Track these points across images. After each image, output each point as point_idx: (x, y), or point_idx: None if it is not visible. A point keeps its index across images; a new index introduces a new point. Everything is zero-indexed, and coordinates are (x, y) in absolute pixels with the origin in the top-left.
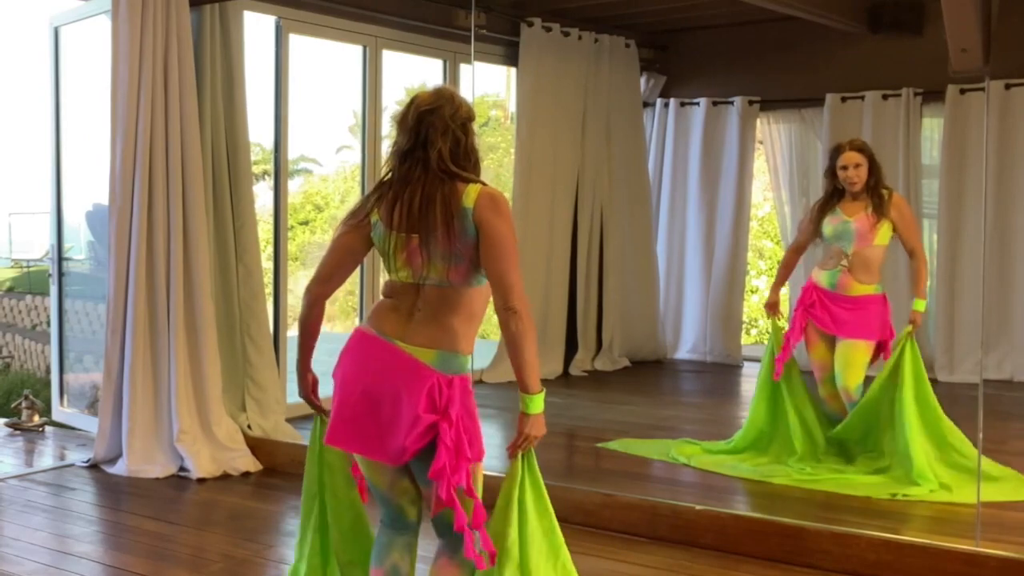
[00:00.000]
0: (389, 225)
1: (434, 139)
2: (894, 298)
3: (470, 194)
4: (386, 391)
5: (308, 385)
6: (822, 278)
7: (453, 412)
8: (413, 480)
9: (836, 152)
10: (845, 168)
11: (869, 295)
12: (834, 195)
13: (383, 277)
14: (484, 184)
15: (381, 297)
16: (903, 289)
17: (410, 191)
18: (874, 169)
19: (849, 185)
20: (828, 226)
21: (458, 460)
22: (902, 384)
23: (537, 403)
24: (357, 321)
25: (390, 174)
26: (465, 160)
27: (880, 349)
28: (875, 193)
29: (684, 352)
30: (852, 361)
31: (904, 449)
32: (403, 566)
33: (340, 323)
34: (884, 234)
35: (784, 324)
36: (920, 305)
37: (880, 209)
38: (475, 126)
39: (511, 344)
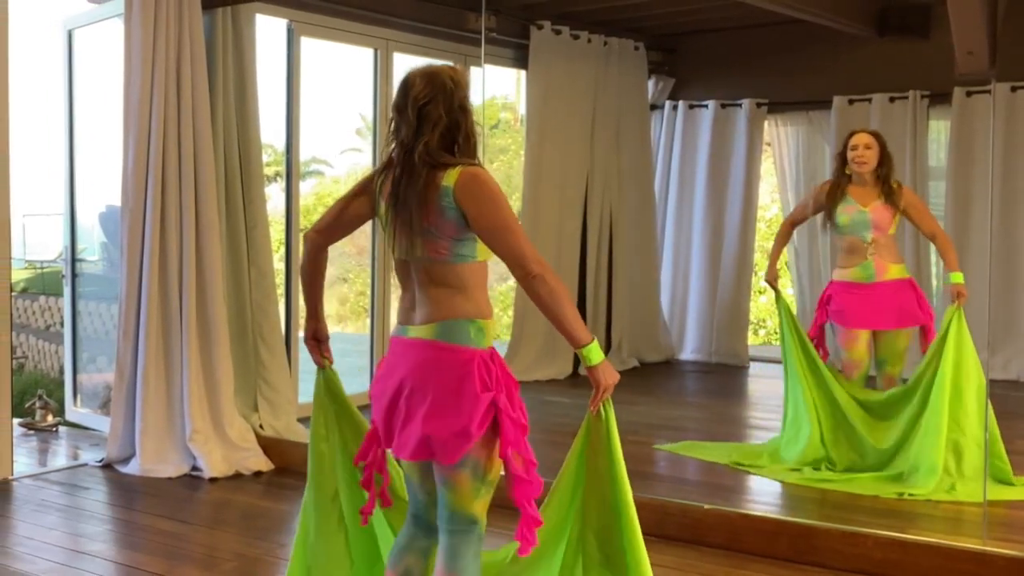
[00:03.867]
0: (387, 201)
1: (425, 131)
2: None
3: (451, 175)
4: (417, 385)
5: (310, 330)
6: (853, 274)
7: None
8: (430, 476)
9: (849, 136)
10: (855, 148)
11: (903, 279)
12: (841, 180)
13: (394, 277)
14: (473, 165)
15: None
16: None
17: (399, 171)
18: (885, 159)
19: (857, 165)
20: (843, 215)
21: (518, 433)
22: (944, 363)
23: (595, 352)
24: (368, 321)
25: (390, 151)
26: (466, 141)
27: (925, 333)
28: (886, 183)
29: (691, 353)
30: (897, 350)
31: (925, 437)
32: (417, 571)
33: (352, 323)
34: (895, 224)
35: (786, 296)
36: (958, 277)
37: (892, 199)
38: (469, 100)
39: (546, 309)
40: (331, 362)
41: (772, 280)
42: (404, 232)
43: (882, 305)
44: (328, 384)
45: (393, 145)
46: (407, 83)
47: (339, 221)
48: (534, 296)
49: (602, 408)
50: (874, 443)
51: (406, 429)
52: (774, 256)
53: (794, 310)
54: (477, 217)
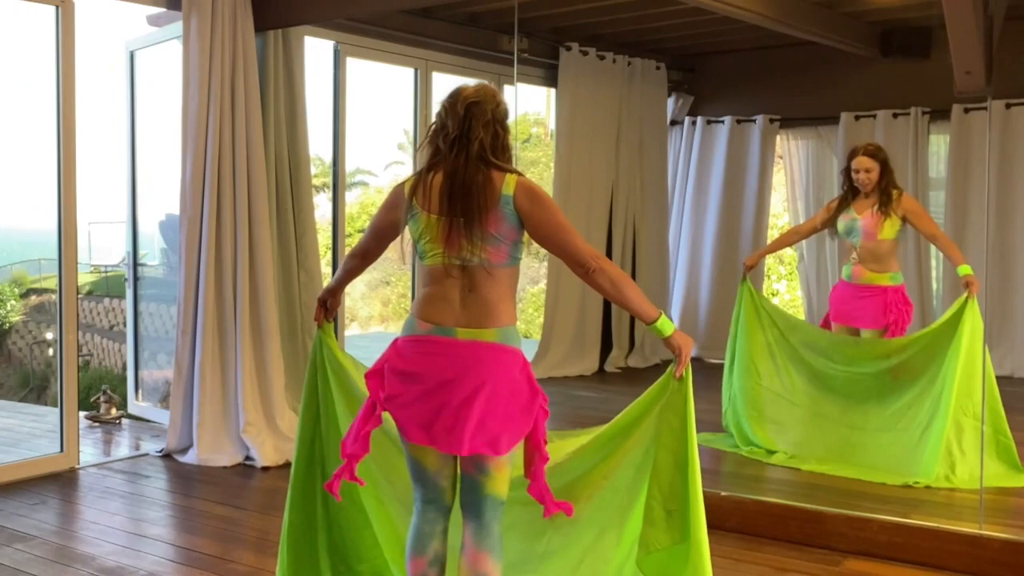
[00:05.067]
0: (428, 209)
1: (477, 129)
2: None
3: (509, 183)
4: (465, 381)
5: (326, 295)
6: (842, 272)
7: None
8: (455, 465)
9: (852, 154)
10: (857, 172)
11: (880, 285)
12: (849, 193)
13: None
14: (520, 174)
15: (422, 288)
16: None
17: (451, 177)
18: (885, 172)
19: (861, 186)
20: (841, 223)
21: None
22: (956, 351)
23: (666, 324)
24: None
25: (428, 158)
26: (502, 153)
27: (889, 333)
28: (884, 193)
29: (707, 350)
30: None
31: (931, 422)
32: (443, 553)
33: (393, 323)
34: (889, 229)
35: (751, 287)
36: (966, 269)
37: (886, 207)
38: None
39: (611, 297)
40: (329, 323)
41: (750, 263)
42: (462, 237)
43: (856, 306)
44: (327, 339)
45: (430, 143)
46: (456, 90)
47: (375, 246)
48: (597, 288)
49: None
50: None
51: (461, 426)
52: (767, 250)
53: (801, 310)
54: (538, 224)
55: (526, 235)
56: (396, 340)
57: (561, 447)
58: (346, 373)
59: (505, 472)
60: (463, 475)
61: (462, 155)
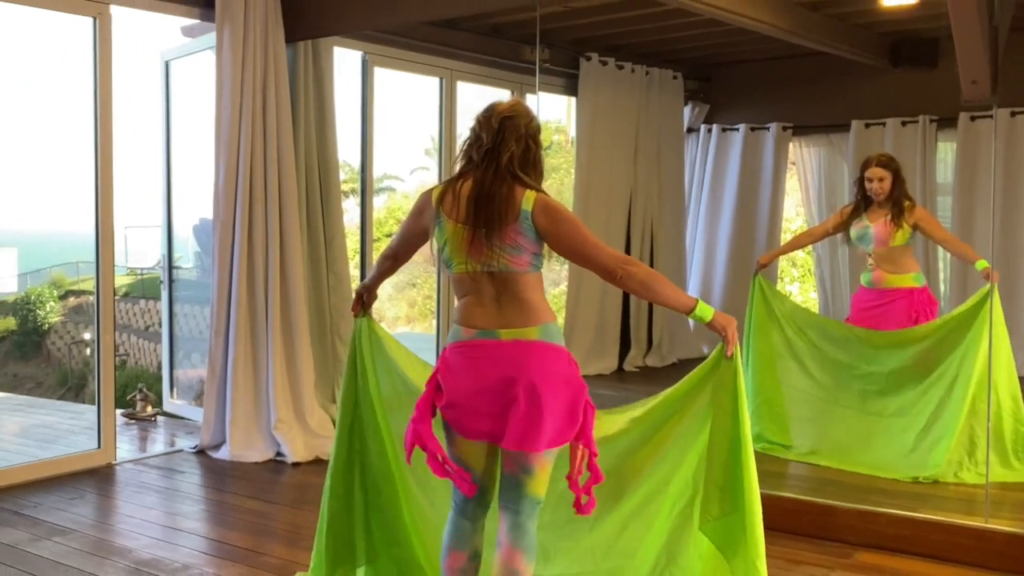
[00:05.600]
0: (453, 218)
1: (509, 142)
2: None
3: (528, 199)
4: (513, 380)
5: (363, 288)
6: (862, 279)
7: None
8: (497, 464)
9: (865, 165)
10: (870, 181)
11: (905, 287)
12: (862, 202)
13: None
14: (541, 192)
15: (456, 299)
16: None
17: (479, 186)
18: (897, 182)
19: (874, 195)
20: (853, 230)
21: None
22: (976, 340)
23: (704, 310)
24: (435, 322)
25: (460, 168)
26: (532, 168)
27: None
28: (897, 203)
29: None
30: None
31: (944, 414)
32: (481, 549)
33: (419, 324)
34: (901, 236)
35: (763, 282)
36: (983, 264)
37: (898, 217)
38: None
39: (645, 296)
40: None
41: (764, 261)
42: (483, 245)
43: (881, 310)
44: (370, 326)
45: (464, 155)
46: (492, 104)
47: (404, 249)
48: (630, 291)
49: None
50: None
51: (511, 423)
52: (781, 250)
53: (816, 311)
54: (559, 239)
55: (546, 247)
56: (444, 348)
57: (611, 422)
58: (389, 359)
59: (547, 472)
60: (505, 474)
61: (492, 166)
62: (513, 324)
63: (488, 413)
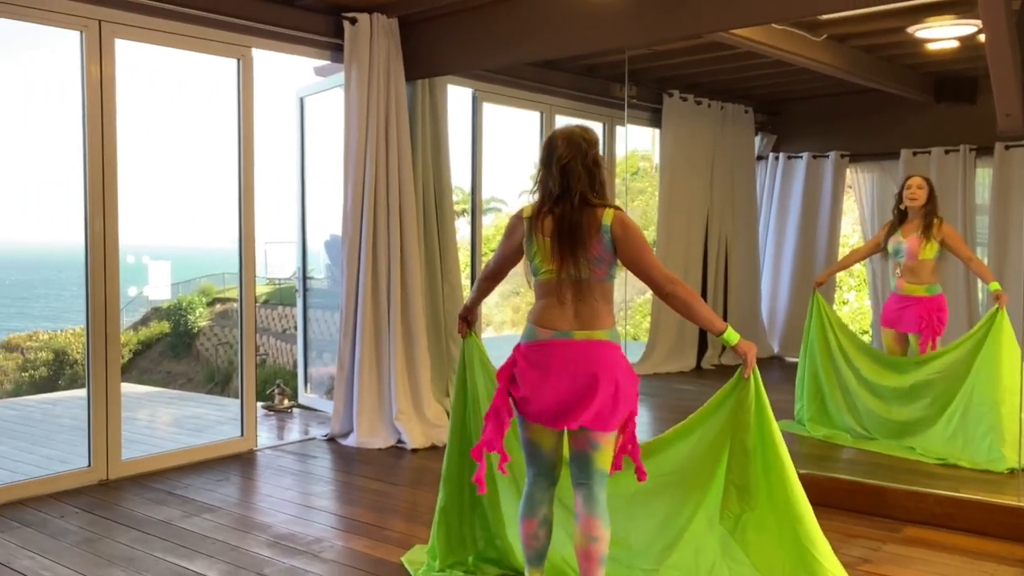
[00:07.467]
0: (544, 233)
1: (574, 186)
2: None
3: (607, 215)
4: (586, 373)
5: (464, 311)
6: (893, 285)
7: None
8: (563, 445)
9: (905, 180)
10: (909, 187)
11: (918, 296)
12: (898, 218)
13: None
14: (617, 208)
15: (538, 300)
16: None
17: (560, 221)
18: (931, 197)
19: (910, 201)
20: (890, 244)
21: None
22: (992, 351)
23: (731, 335)
24: None
25: (540, 204)
26: (600, 188)
27: (922, 339)
28: (927, 219)
29: (786, 350)
30: (915, 345)
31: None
32: (551, 516)
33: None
34: (928, 251)
35: (820, 299)
36: (995, 286)
37: (928, 232)
38: (600, 154)
39: (684, 312)
40: (471, 334)
41: (820, 281)
42: (572, 258)
43: (899, 314)
44: (475, 346)
45: (539, 192)
46: (551, 144)
47: (501, 268)
48: (672, 306)
49: (752, 373)
50: (887, 416)
51: (583, 406)
52: (834, 269)
53: (869, 315)
54: (626, 248)
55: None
56: (519, 346)
57: (656, 442)
58: (488, 372)
59: (611, 448)
60: (575, 452)
61: (568, 204)
62: (585, 327)
63: (560, 401)
